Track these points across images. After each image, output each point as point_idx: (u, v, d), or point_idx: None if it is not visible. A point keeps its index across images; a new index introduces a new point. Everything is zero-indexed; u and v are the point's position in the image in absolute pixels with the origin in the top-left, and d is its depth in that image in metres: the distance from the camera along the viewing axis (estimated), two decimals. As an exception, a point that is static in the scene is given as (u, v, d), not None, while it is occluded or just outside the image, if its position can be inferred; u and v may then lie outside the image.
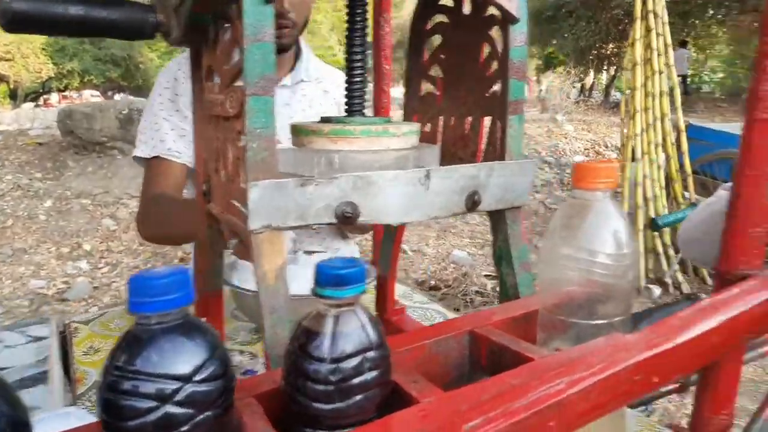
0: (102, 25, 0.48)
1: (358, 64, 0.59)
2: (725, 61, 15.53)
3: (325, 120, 0.56)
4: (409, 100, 0.74)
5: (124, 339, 0.31)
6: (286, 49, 1.12)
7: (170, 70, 1.16)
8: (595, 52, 12.97)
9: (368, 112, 0.62)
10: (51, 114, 7.37)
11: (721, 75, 17.09)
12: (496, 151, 0.60)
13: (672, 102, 3.22)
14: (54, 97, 16.29)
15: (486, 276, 3.22)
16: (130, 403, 0.30)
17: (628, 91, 3.36)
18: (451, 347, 0.51)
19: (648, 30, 3.16)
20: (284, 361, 0.37)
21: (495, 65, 0.61)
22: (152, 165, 1.10)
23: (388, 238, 0.79)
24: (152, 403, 0.29)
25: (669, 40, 3.27)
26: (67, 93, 17.42)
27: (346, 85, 0.59)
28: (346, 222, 0.48)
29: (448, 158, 0.67)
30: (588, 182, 0.47)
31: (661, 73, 3.24)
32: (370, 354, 0.36)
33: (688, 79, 12.75)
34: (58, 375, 0.70)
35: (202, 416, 0.31)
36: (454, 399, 0.37)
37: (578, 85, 15.36)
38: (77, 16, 0.47)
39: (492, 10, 0.61)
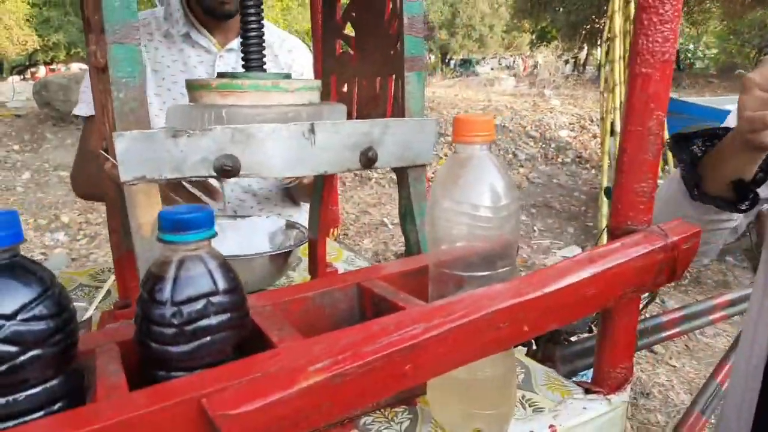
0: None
1: (253, 18, 0.58)
2: (719, 36, 15.41)
3: (220, 75, 0.55)
4: (326, 60, 0.73)
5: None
6: (232, 15, 1.12)
7: None
8: (588, 26, 12.83)
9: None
10: (31, 86, 7.26)
11: (714, 51, 16.98)
12: (399, 110, 0.60)
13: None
14: (42, 70, 15.97)
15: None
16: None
17: (607, 65, 3.35)
18: (337, 299, 0.51)
19: (627, 1, 3.12)
20: (136, 307, 0.38)
21: (397, 23, 0.60)
22: (89, 121, 1.15)
23: (315, 201, 0.79)
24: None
25: (648, 12, 3.22)
26: (54, 66, 17.11)
27: (242, 40, 0.58)
28: (226, 175, 0.48)
29: (361, 118, 0.67)
30: (466, 136, 0.47)
31: (639, 45, 3.19)
32: (216, 298, 0.37)
33: (681, 55, 12.66)
34: None
35: (29, 355, 0.32)
36: (311, 344, 0.38)
37: (572, 60, 15.23)
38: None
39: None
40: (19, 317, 0.31)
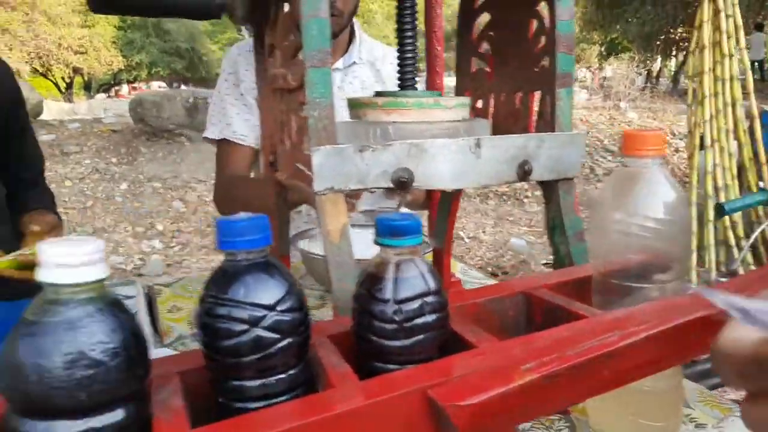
0: (173, 5, 0.54)
1: (409, 40, 0.62)
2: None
3: (378, 94, 0.60)
4: (461, 78, 0.76)
5: (216, 273, 0.37)
6: (335, 35, 1.14)
7: (231, 55, 1.23)
8: (663, 37, 12.31)
9: (421, 88, 0.65)
10: (122, 104, 7.83)
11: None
12: (546, 125, 0.62)
13: (744, 87, 3.04)
14: (124, 89, 17.17)
15: (545, 264, 3.18)
16: (226, 325, 0.35)
17: (695, 77, 3.20)
18: (505, 306, 0.53)
19: (717, 11, 2.98)
20: (353, 303, 0.41)
21: (543, 40, 0.63)
22: (221, 146, 1.21)
23: (443, 213, 0.82)
24: (245, 326, 0.34)
25: (740, 21, 3.08)
26: (136, 84, 18.38)
27: (399, 61, 0.63)
28: (401, 186, 0.51)
29: (500, 133, 0.70)
30: (638, 150, 0.48)
31: (731, 56, 3.06)
32: (429, 299, 0.40)
33: (766, 65, 11.88)
34: (148, 328, 0.79)
35: (285, 342, 0.36)
36: (509, 345, 0.40)
37: (644, 71, 14.65)
38: (162, -1, 0.53)
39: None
40: (278, 308, 0.35)
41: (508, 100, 0.70)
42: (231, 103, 1.20)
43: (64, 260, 0.31)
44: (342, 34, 1.16)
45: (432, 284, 0.40)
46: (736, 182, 3.21)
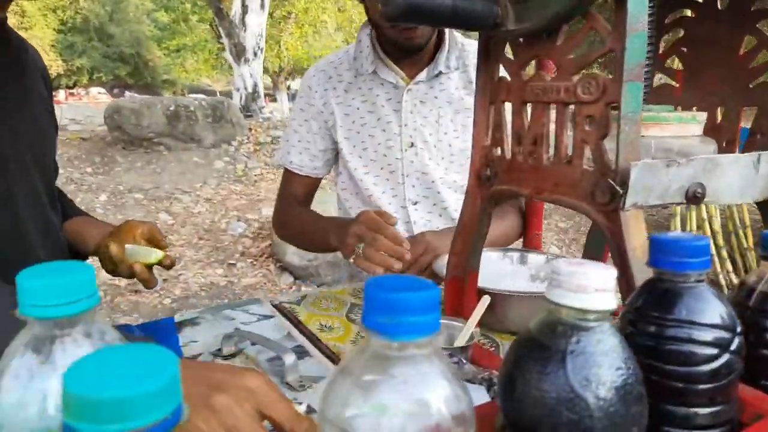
0: (464, 14, 0.52)
1: (648, 53, 0.62)
2: None
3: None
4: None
5: (651, 293, 0.35)
6: (421, 47, 1.09)
7: (308, 77, 1.21)
8: None
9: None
10: (76, 109, 7.47)
11: None
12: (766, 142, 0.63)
13: None
14: (61, 95, 16.34)
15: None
16: (687, 349, 0.33)
17: None
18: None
19: None
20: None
21: (760, 57, 0.64)
22: (284, 172, 1.25)
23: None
24: (714, 351, 0.33)
25: None
26: (74, 90, 17.55)
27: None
28: (694, 202, 0.51)
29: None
30: None
31: None
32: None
33: None
34: (314, 349, 0.74)
35: (739, 368, 0.35)
36: None
37: None
38: (448, 6, 0.50)
39: (760, 4, 0.64)
40: (737, 331, 0.34)
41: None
42: (295, 129, 1.22)
43: (601, 285, 0.29)
44: (428, 43, 1.09)
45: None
46: None
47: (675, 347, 0.33)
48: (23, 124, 0.87)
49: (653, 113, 0.57)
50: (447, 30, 1.14)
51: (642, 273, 0.49)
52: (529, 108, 0.58)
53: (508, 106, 0.61)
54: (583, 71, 0.52)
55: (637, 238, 0.49)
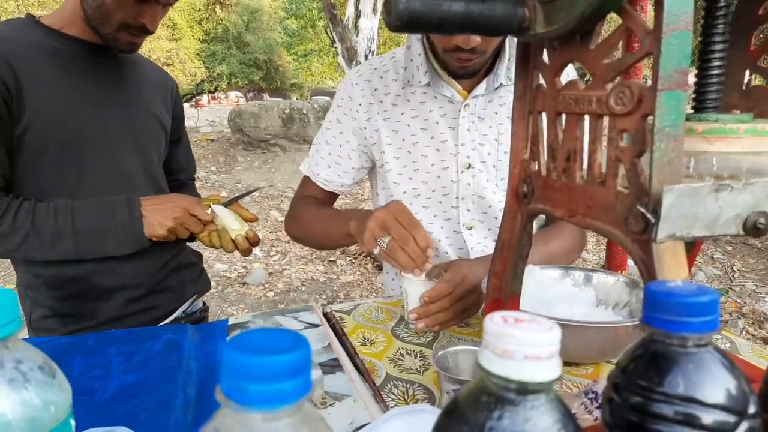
0: (480, 20, 0.47)
1: (718, 54, 0.52)
2: None
3: (689, 119, 0.50)
4: (728, 94, 0.65)
5: (644, 356, 0.29)
6: (477, 72, 0.98)
7: (348, 84, 1.09)
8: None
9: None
10: (210, 113, 8.18)
11: None
12: None
13: None
14: (204, 99, 18.03)
15: None
16: (670, 430, 0.27)
17: None
18: None
19: None
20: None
21: None
22: (306, 179, 1.17)
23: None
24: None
25: None
26: (215, 94, 19.28)
27: (700, 78, 0.53)
28: (756, 234, 0.42)
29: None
30: None
31: None
32: None
33: None
34: (348, 363, 0.73)
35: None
36: None
37: None
38: (460, 12, 0.46)
39: None
40: (749, 412, 0.27)
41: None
42: (327, 139, 1.11)
43: (534, 352, 0.24)
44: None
45: None
46: None
47: (661, 428, 0.27)
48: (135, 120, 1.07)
49: (719, 124, 0.48)
50: (507, 37, 1.06)
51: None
52: (563, 119, 0.51)
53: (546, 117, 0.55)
54: (619, 78, 0.45)
55: (673, 275, 0.41)
